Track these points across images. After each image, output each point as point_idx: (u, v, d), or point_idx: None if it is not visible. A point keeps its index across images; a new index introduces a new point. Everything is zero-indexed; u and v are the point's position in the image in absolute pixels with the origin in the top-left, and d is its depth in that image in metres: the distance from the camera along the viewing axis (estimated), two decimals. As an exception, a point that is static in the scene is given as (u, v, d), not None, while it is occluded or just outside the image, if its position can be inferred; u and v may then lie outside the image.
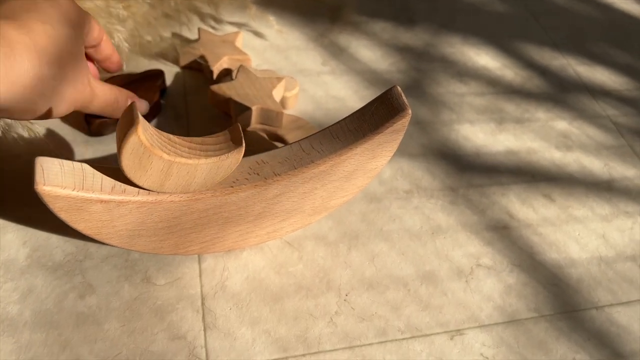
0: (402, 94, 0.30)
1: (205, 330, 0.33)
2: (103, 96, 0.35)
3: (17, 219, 0.36)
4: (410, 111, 0.30)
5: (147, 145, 0.26)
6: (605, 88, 0.54)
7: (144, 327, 0.33)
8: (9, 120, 0.40)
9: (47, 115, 0.32)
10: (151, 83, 0.43)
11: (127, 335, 0.32)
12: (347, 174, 0.33)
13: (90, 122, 0.40)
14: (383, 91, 0.31)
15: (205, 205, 0.30)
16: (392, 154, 0.33)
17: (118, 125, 0.27)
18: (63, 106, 0.32)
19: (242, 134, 0.28)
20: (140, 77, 0.44)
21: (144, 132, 0.26)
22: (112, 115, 0.37)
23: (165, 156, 0.26)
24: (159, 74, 0.44)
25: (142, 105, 0.40)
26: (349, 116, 0.31)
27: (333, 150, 0.31)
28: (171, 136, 0.28)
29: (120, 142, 0.26)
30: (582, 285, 0.38)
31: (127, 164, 0.27)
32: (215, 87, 0.41)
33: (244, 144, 0.28)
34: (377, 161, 0.33)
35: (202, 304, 0.34)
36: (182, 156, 0.27)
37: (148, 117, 0.42)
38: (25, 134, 0.40)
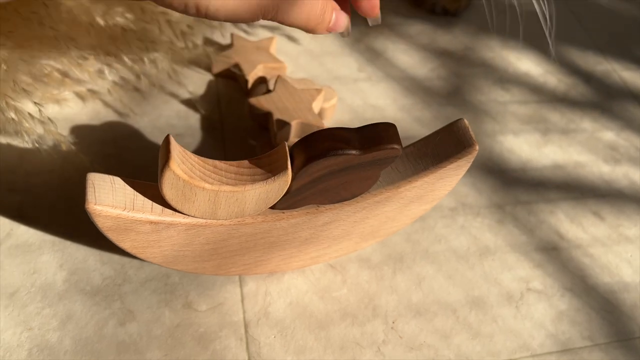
0: (469, 128, 0.29)
1: (249, 360, 0.32)
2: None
3: (52, 239, 0.35)
4: (477, 147, 0.28)
5: (185, 178, 0.24)
6: (653, 95, 0.51)
7: (187, 356, 0.31)
8: (41, 132, 0.38)
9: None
10: None
11: (169, 365, 0.31)
12: (402, 205, 0.31)
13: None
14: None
15: (254, 229, 0.29)
16: (452, 187, 0.32)
17: (159, 154, 0.25)
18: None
19: (288, 154, 0.26)
20: None
21: (181, 165, 0.24)
22: (310, 30, 0.27)
23: (208, 186, 0.25)
24: None
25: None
26: (409, 146, 0.30)
27: (390, 181, 0.29)
28: (217, 162, 0.26)
29: (159, 178, 0.24)
30: (637, 311, 0.37)
31: (171, 198, 0.25)
32: (253, 101, 0.40)
33: (289, 167, 0.26)
34: (435, 194, 0.31)
35: (246, 331, 0.33)
36: (227, 184, 0.25)
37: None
38: (61, 147, 0.38)
